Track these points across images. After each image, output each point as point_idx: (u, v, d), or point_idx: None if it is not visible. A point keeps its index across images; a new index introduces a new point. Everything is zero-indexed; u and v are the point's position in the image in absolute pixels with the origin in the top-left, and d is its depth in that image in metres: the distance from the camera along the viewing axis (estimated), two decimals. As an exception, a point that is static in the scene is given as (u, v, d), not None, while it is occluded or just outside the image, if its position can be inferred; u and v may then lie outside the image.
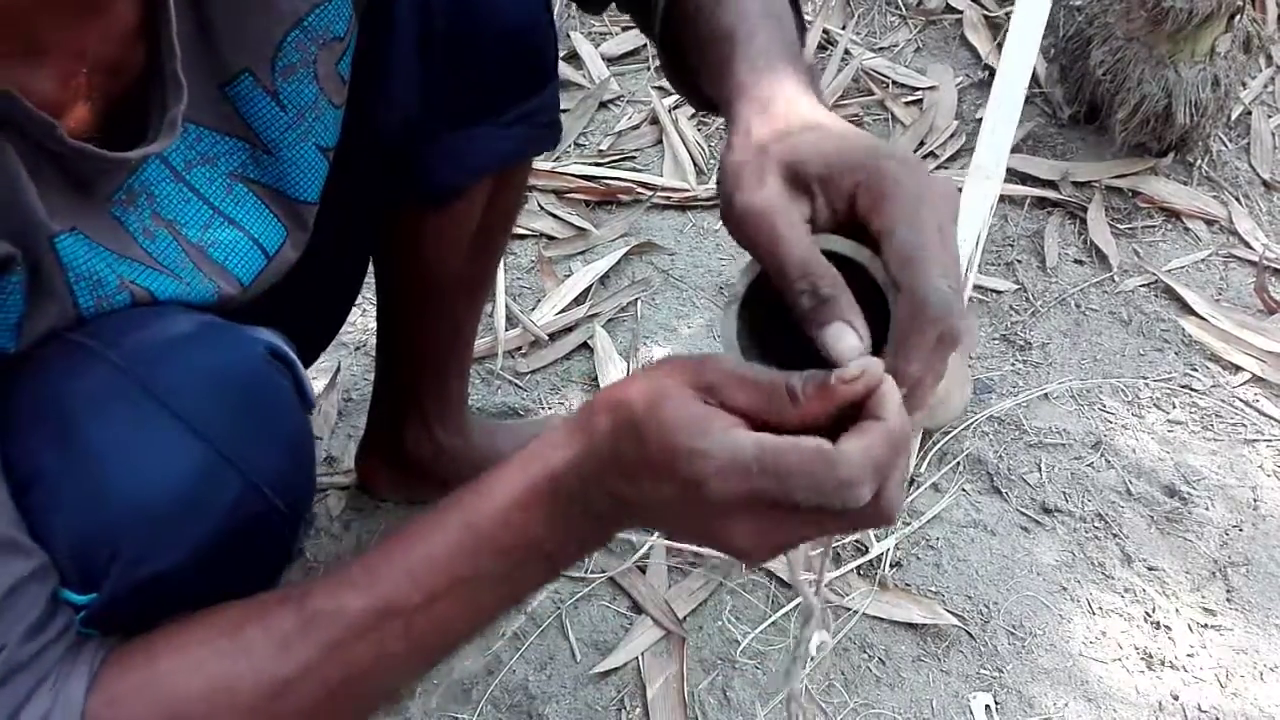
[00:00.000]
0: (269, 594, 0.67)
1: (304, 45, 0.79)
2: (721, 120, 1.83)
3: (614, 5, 0.96)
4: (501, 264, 1.55)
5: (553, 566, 0.67)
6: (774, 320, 0.63)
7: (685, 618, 1.27)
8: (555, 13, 0.98)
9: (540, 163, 1.67)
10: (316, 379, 1.47)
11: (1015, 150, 1.67)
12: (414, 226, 1.08)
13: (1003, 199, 1.69)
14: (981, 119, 1.81)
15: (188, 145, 0.77)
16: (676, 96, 1.87)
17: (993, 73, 1.88)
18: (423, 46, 0.93)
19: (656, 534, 1.33)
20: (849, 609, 1.27)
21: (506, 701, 1.21)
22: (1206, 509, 1.37)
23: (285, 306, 0.95)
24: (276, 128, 0.81)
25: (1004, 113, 1.55)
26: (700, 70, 0.78)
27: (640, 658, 1.24)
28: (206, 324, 0.74)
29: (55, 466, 0.66)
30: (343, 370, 1.51)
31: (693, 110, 1.86)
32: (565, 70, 1.87)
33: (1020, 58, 1.58)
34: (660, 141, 1.83)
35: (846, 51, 1.95)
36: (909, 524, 1.34)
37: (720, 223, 1.84)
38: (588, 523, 0.64)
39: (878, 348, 0.59)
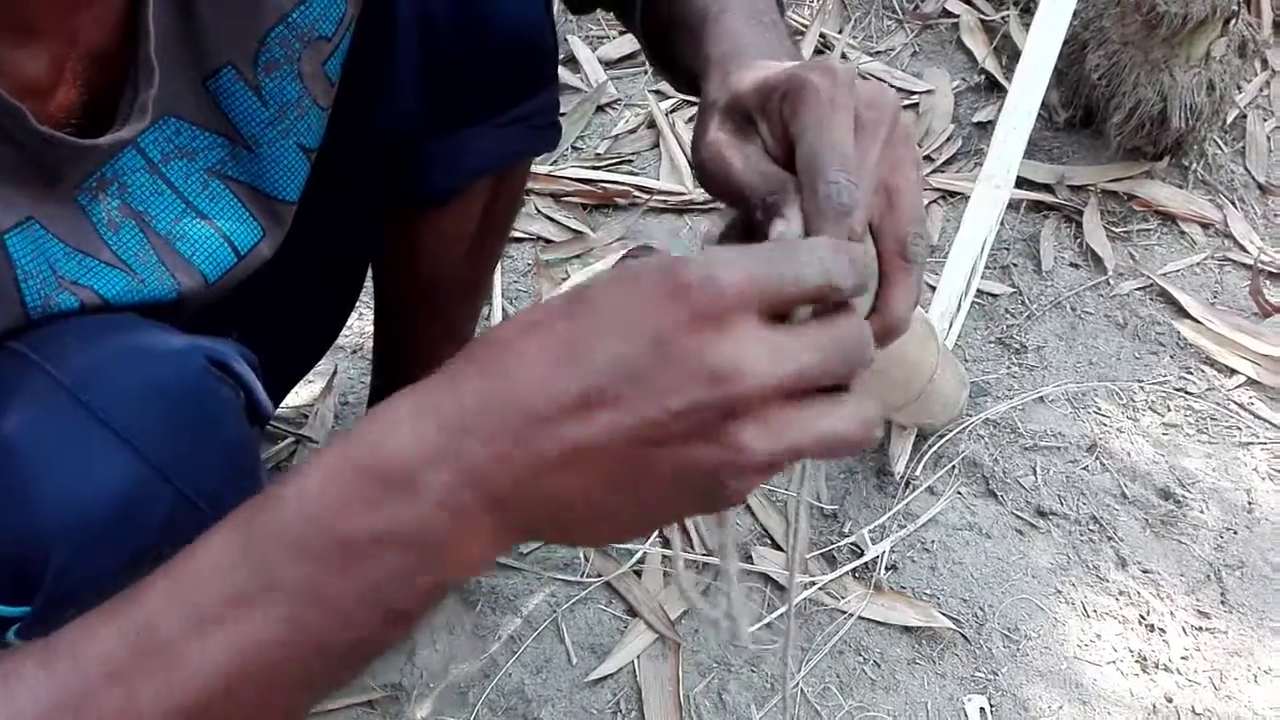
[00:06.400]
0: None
1: (288, 41, 0.79)
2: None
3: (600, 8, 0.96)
4: (498, 267, 1.55)
5: (388, 593, 0.49)
6: None
7: (680, 621, 1.27)
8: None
9: (537, 166, 1.68)
10: (313, 382, 1.47)
11: (1011, 154, 1.67)
12: (411, 227, 1.08)
13: (998, 202, 1.69)
14: (977, 122, 1.83)
15: (165, 138, 0.76)
16: (674, 100, 1.88)
17: (989, 76, 1.89)
18: (424, 50, 0.92)
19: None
20: (844, 612, 1.27)
21: (503, 705, 1.21)
22: (1201, 512, 1.38)
23: (283, 310, 0.96)
24: (257, 123, 0.80)
25: (1016, 123, 1.55)
26: (680, 54, 0.80)
27: (636, 661, 1.24)
28: (147, 336, 0.72)
29: None
30: (339, 373, 1.51)
31: (690, 114, 1.87)
32: (563, 74, 1.87)
33: (1037, 69, 1.58)
34: (657, 145, 1.83)
35: (843, 55, 1.96)
36: (904, 527, 1.35)
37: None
38: (435, 515, 0.48)
39: None
